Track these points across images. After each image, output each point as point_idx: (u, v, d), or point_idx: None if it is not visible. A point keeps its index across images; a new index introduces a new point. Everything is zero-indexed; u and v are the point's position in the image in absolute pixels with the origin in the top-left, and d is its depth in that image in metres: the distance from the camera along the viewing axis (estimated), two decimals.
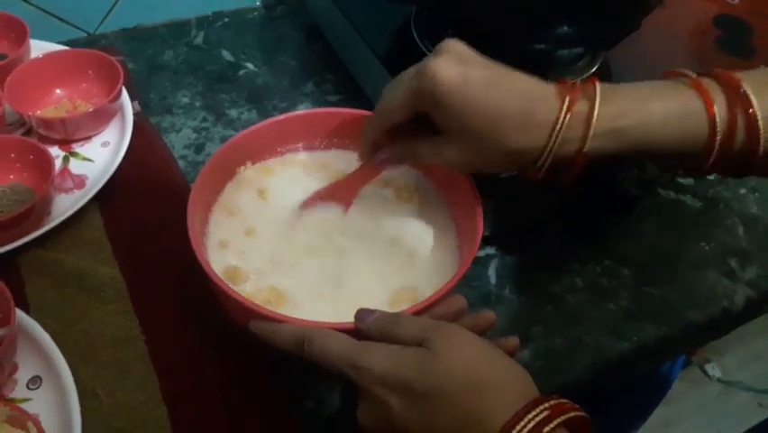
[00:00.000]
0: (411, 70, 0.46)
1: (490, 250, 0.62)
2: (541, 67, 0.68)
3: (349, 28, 0.75)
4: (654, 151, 0.45)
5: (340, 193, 0.55)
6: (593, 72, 0.68)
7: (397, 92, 0.47)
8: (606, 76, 0.69)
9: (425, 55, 0.71)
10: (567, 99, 0.43)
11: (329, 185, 0.55)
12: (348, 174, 0.54)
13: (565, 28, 0.60)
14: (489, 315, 0.46)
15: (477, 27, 0.66)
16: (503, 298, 0.59)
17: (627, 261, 0.63)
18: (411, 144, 0.49)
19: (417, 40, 0.71)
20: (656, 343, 0.58)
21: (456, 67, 0.44)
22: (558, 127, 0.43)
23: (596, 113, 0.43)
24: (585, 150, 0.43)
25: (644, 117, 0.43)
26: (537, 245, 0.63)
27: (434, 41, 0.71)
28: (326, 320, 0.44)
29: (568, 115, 0.43)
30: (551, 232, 0.64)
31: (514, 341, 0.45)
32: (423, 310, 0.45)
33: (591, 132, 0.43)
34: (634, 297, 0.60)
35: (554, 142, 0.43)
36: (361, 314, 0.44)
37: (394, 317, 0.43)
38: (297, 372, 0.52)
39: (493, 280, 0.60)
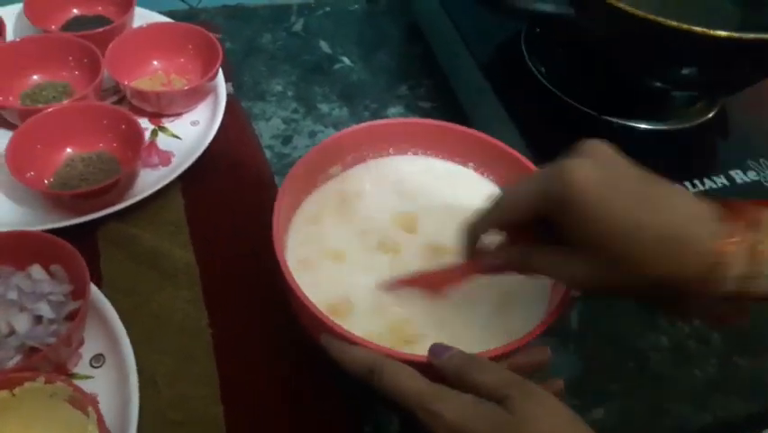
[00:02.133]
0: (542, 169, 0.40)
1: (575, 292, 0.58)
2: (653, 105, 0.65)
3: (454, 33, 0.72)
4: None
5: (428, 284, 0.48)
6: (710, 117, 0.64)
7: (521, 189, 0.41)
8: (722, 122, 0.65)
9: (533, 73, 0.68)
10: (731, 226, 0.36)
11: (418, 274, 0.49)
12: (443, 269, 0.48)
13: (691, 70, 0.56)
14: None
15: (591, 53, 0.63)
16: (583, 346, 0.55)
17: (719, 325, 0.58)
18: (527, 250, 0.42)
19: (526, 56, 0.68)
20: (743, 420, 0.53)
21: (596, 170, 0.37)
22: (718, 259, 0.36)
23: None
24: (746, 289, 0.36)
25: None
26: None
27: (543, 60, 0.67)
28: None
29: (732, 247, 0.36)
30: None
31: (559, 384, 0.42)
32: (502, 356, 0.42)
33: (764, 270, 0.36)
34: (722, 365, 0.56)
35: (712, 275, 0.36)
36: (437, 349, 0.41)
37: (473, 361, 0.40)
38: (362, 395, 0.50)
39: (575, 325, 0.56)
